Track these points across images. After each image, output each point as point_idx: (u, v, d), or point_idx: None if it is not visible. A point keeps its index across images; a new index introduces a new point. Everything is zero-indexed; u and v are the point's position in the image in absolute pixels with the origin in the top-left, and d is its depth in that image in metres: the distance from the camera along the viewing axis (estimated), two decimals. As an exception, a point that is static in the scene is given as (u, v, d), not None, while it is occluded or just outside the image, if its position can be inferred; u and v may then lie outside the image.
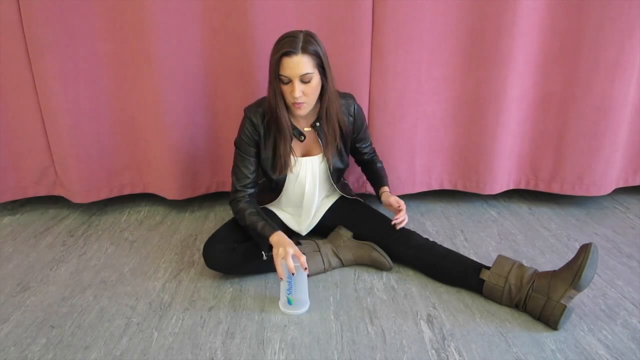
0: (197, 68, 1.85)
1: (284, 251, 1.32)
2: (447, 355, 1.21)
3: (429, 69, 1.85)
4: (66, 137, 1.87)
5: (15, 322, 1.36)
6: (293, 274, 1.30)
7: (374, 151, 1.78)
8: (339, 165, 1.61)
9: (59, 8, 1.70)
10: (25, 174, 2.00)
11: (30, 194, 2.05)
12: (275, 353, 1.22)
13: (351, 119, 1.57)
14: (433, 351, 1.22)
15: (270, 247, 1.40)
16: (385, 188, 1.68)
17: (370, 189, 2.04)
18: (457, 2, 1.76)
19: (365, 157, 1.74)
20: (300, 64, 1.32)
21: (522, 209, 2.07)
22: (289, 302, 1.37)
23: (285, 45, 1.31)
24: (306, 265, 1.32)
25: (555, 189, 2.02)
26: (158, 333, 1.30)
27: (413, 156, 1.98)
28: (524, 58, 1.83)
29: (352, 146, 1.67)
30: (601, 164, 1.94)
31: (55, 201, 2.16)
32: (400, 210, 1.57)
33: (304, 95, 1.36)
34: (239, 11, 1.75)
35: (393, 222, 1.57)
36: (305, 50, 1.32)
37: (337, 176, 1.65)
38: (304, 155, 1.56)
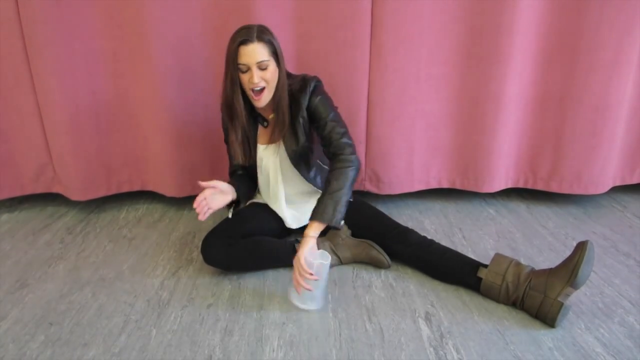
0: (196, 66, 1.84)
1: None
2: (445, 353, 1.21)
3: (428, 67, 1.85)
4: (64, 134, 1.87)
5: (14, 319, 1.36)
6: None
7: (343, 147, 1.47)
8: (293, 145, 1.53)
9: (57, 5, 1.69)
10: (23, 172, 2.00)
11: (28, 191, 2.04)
12: (273, 350, 1.23)
13: (306, 95, 1.50)
14: (431, 349, 1.23)
15: (234, 206, 1.57)
16: (314, 224, 1.40)
17: (369, 187, 2.04)
18: (456, 0, 1.76)
19: (327, 150, 1.52)
20: (256, 51, 1.37)
21: (520, 207, 2.08)
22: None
23: (242, 35, 1.38)
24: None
25: (554, 187, 2.02)
26: (156, 330, 1.31)
27: (411, 154, 1.98)
28: (523, 56, 1.83)
29: (314, 130, 1.56)
30: (599, 163, 1.95)
31: (53, 199, 2.16)
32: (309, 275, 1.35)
33: (263, 81, 1.41)
34: (239, 9, 1.75)
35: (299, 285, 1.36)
36: (260, 39, 1.38)
37: (296, 159, 1.57)
38: (270, 144, 1.58)
